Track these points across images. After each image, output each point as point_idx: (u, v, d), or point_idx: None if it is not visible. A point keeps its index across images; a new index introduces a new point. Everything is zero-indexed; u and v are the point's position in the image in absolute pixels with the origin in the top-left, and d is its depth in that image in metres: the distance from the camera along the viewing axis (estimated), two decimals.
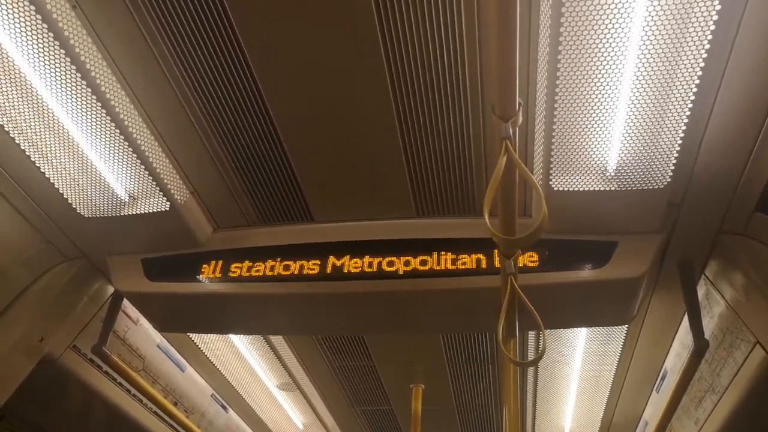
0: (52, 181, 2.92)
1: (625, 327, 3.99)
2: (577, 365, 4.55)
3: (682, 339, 3.85)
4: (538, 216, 1.82)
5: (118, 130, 2.63)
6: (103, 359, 3.71)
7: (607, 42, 2.10)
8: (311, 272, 3.21)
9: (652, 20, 2.02)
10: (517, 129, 1.89)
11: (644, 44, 2.09)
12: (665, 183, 2.60)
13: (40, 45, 2.26)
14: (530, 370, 4.79)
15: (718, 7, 1.94)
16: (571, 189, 2.71)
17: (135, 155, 2.75)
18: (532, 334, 4.28)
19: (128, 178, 2.92)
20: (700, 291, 3.42)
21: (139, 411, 4.44)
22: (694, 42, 2.05)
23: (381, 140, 2.86)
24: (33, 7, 2.14)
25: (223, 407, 5.43)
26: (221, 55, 2.50)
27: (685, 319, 3.44)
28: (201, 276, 3.30)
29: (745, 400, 3.27)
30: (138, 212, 3.05)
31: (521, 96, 1.85)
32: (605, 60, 2.16)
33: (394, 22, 2.34)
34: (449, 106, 2.66)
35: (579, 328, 4.12)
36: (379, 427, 5.87)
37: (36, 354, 3.53)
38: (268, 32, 2.40)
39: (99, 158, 2.81)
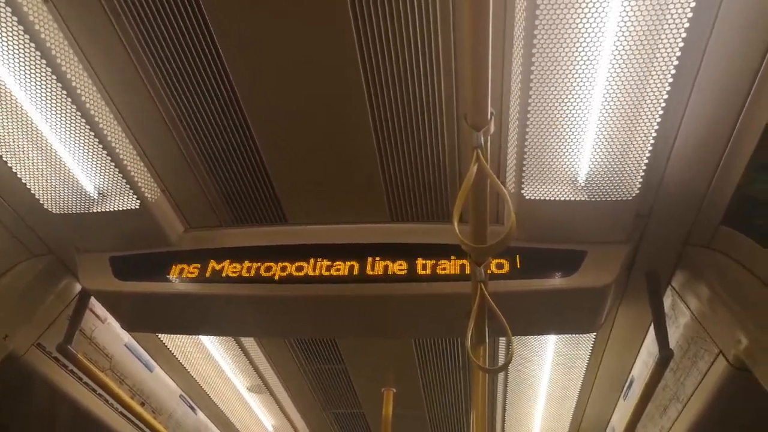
0: (19, 176, 2.86)
1: (593, 335, 4.04)
2: (546, 372, 4.59)
3: (649, 348, 3.92)
4: (508, 225, 1.84)
5: (87, 126, 2.58)
6: (68, 358, 3.64)
7: (579, 55, 2.13)
8: (283, 274, 3.20)
9: (623, 35, 2.05)
10: (489, 138, 1.91)
11: (615, 59, 2.13)
12: (634, 194, 2.65)
13: (8, 38, 2.21)
14: (500, 377, 4.82)
15: (687, 26, 1.98)
16: (542, 198, 2.74)
17: (105, 151, 2.70)
18: (503, 341, 4.31)
19: (97, 174, 2.87)
20: (667, 301, 3.48)
21: (106, 411, 4.36)
22: (664, 58, 2.09)
23: (356, 145, 2.87)
24: (2, 0, 2.10)
25: (192, 408, 5.37)
26: (194, 52, 2.48)
27: (652, 328, 3.49)
28: (171, 276, 3.26)
29: (708, 409, 3.33)
30: (107, 209, 3.00)
31: (495, 106, 1.87)
32: (577, 73, 2.19)
33: (371, 28, 2.34)
34: (424, 113, 2.68)
35: (548, 336, 4.16)
36: (350, 430, 5.85)
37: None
38: (242, 31, 2.38)
39: (68, 154, 2.75)
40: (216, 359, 4.76)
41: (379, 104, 2.66)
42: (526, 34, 2.07)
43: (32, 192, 2.94)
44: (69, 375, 3.97)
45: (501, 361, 4.43)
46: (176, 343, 4.58)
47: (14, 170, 2.83)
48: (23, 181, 2.89)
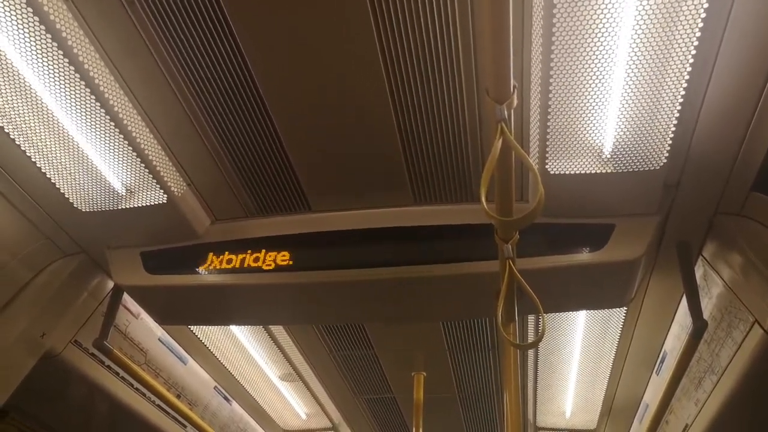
0: (48, 176, 2.92)
1: (623, 309, 4.01)
2: (577, 349, 4.57)
3: (681, 321, 3.87)
4: (535, 197, 1.82)
5: (112, 123, 2.62)
6: (104, 353, 3.72)
7: (601, 22, 2.10)
8: (310, 262, 3.22)
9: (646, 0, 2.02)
10: (512, 111, 1.89)
11: (638, 24, 2.09)
12: (661, 164, 2.60)
13: (31, 38, 2.25)
14: (530, 356, 4.81)
15: None
16: (567, 172, 2.71)
17: (131, 148, 2.74)
18: (531, 320, 4.30)
19: (124, 171, 2.92)
20: (698, 272, 3.43)
21: (143, 404, 4.46)
22: (688, 20, 2.05)
23: (377, 128, 2.86)
24: (24, 0, 2.13)
25: (227, 399, 5.45)
26: (214, 45, 2.49)
27: (684, 300, 3.45)
28: (200, 268, 3.30)
29: (745, 380, 3.28)
30: (135, 205, 3.05)
31: (516, 78, 1.85)
32: (599, 40, 2.16)
33: (387, 6, 2.33)
34: (444, 90, 2.66)
35: (578, 312, 4.13)
36: (382, 415, 5.90)
37: (38, 350, 3.53)
38: (259, 19, 2.39)
39: (95, 152, 2.80)
40: (248, 350, 4.82)
41: (398, 86, 2.64)
42: (546, 3, 2.04)
43: (62, 191, 3.00)
44: (106, 370, 4.06)
45: (530, 339, 4.42)
46: (208, 335, 4.65)
47: (43, 170, 2.88)
48: (52, 181, 2.95)
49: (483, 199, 1.78)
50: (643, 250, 2.88)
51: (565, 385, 5.13)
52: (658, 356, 4.41)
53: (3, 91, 2.49)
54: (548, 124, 2.50)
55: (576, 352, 4.61)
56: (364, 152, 3.01)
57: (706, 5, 1.99)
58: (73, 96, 2.49)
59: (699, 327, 3.16)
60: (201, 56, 2.54)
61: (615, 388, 5.06)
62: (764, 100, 2.41)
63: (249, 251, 3.30)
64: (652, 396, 4.69)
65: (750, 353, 3.15)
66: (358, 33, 2.42)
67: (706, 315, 3.31)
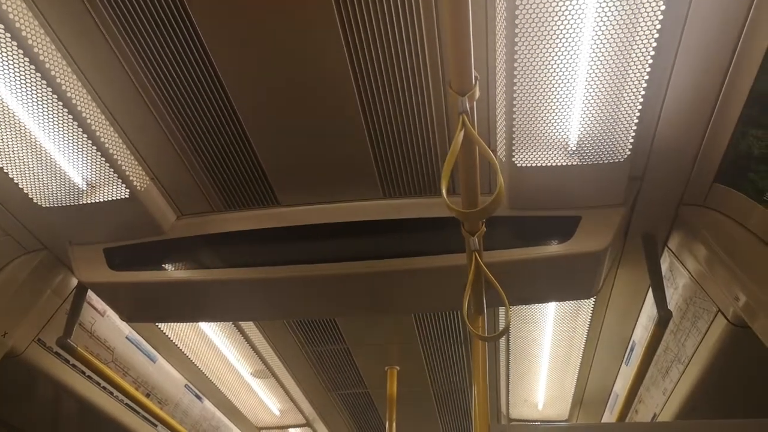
0: (6, 171, 2.83)
1: (592, 301, 4.05)
2: (547, 341, 4.61)
3: (649, 312, 3.92)
4: (497, 187, 1.81)
5: (71, 116, 2.54)
6: (68, 352, 3.65)
7: (564, 15, 2.09)
8: (278, 256, 3.19)
9: None
10: (474, 103, 1.88)
11: (599, 17, 2.10)
12: (625, 156, 2.62)
13: None
14: (502, 349, 4.84)
15: None
16: (534, 165, 2.71)
17: (90, 142, 2.67)
18: (503, 314, 4.31)
19: (85, 166, 2.84)
20: (664, 263, 3.48)
21: (112, 404, 4.38)
22: (649, 13, 2.06)
23: (343, 121, 2.83)
24: None
25: (198, 397, 5.39)
26: (176, 38, 2.44)
27: (651, 291, 3.49)
28: (166, 264, 3.25)
29: (709, 368, 3.35)
30: (97, 200, 2.98)
31: (481, 71, 1.84)
32: (563, 32, 2.16)
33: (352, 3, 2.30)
34: (411, 84, 2.64)
35: (548, 304, 4.16)
36: (356, 410, 5.89)
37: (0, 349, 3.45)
38: (223, 15, 2.34)
39: (53, 146, 2.72)
40: (218, 347, 4.77)
41: (365, 80, 2.62)
42: None
43: (20, 186, 2.91)
44: (72, 370, 3.98)
45: None
46: (178, 333, 4.59)
47: (1, 166, 2.80)
48: (11, 177, 2.86)
49: (444, 191, 1.77)
50: (609, 241, 2.91)
51: (537, 377, 5.18)
52: (627, 346, 4.47)
53: None
54: (514, 117, 2.50)
55: (547, 344, 4.65)
56: (331, 146, 2.98)
57: None
58: (28, 87, 2.41)
59: (663, 317, 3.21)
60: (162, 48, 2.48)
61: (586, 378, 5.12)
62: (725, 93, 2.45)
63: (216, 246, 3.26)
64: (622, 385, 4.75)
65: (714, 343, 3.21)
66: (323, 26, 2.38)
67: (672, 306, 3.36)
